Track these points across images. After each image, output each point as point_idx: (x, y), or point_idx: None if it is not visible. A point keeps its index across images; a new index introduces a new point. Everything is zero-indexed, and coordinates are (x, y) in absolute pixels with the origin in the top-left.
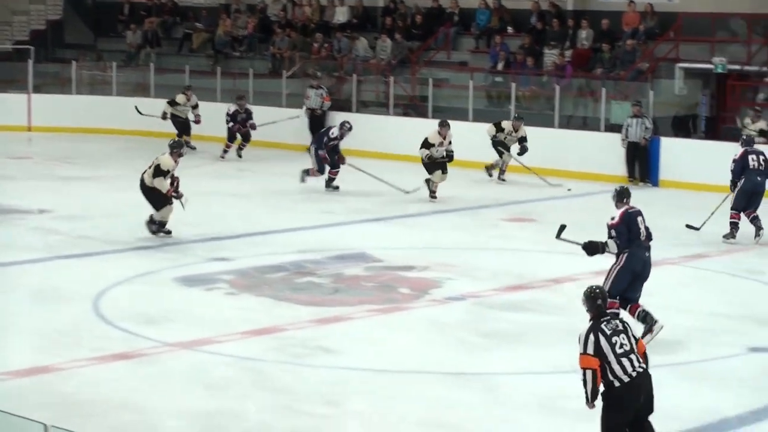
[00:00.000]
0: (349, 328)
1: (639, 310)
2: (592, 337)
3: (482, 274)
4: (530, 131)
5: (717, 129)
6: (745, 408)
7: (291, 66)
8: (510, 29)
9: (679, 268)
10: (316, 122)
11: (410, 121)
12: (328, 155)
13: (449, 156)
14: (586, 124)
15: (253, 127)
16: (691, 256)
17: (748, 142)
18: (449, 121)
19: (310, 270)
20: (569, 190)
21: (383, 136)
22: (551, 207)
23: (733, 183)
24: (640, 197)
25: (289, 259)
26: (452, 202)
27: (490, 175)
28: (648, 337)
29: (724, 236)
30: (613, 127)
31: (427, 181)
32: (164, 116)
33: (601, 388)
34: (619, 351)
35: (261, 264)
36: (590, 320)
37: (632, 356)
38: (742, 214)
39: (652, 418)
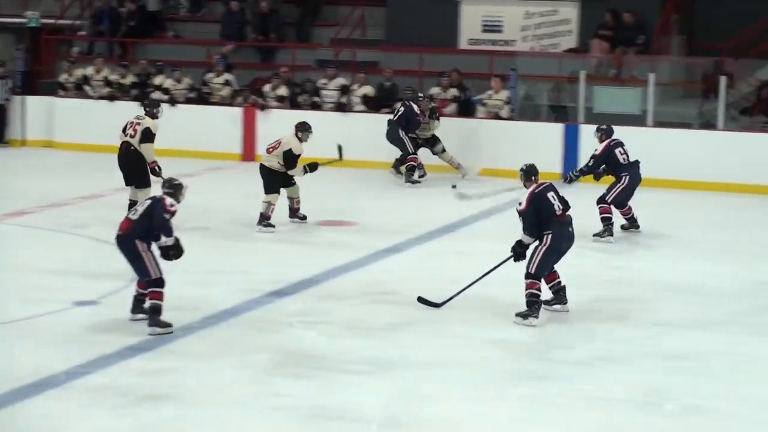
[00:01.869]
0: None
1: (556, 281)
2: None
3: None
4: None
5: (34, 84)
6: (74, 362)
7: None
8: None
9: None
10: None
11: None
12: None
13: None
14: None
15: None
16: (14, 213)
17: (609, 132)
18: None
19: None
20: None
21: None
22: None
23: (585, 174)
24: None
25: None
26: None
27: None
28: (558, 307)
29: (599, 234)
30: None
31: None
32: None
33: None
34: None
35: None
36: None
37: None
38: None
39: None
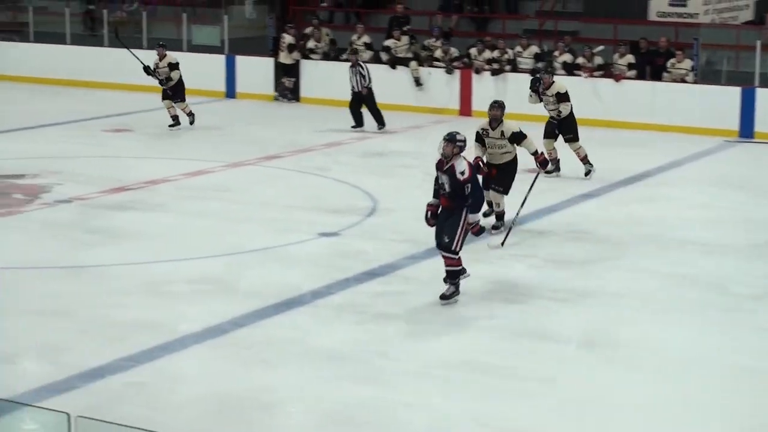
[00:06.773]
0: None
1: None
2: None
3: (86, 179)
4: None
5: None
6: (319, 283)
7: None
8: None
9: (256, 168)
10: None
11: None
12: None
13: None
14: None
15: None
16: (266, 157)
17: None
18: None
19: None
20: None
21: None
22: (147, 118)
23: None
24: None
25: None
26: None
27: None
28: None
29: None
30: (195, 48)
31: None
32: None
33: None
34: None
35: None
36: None
37: None
38: None
39: None
